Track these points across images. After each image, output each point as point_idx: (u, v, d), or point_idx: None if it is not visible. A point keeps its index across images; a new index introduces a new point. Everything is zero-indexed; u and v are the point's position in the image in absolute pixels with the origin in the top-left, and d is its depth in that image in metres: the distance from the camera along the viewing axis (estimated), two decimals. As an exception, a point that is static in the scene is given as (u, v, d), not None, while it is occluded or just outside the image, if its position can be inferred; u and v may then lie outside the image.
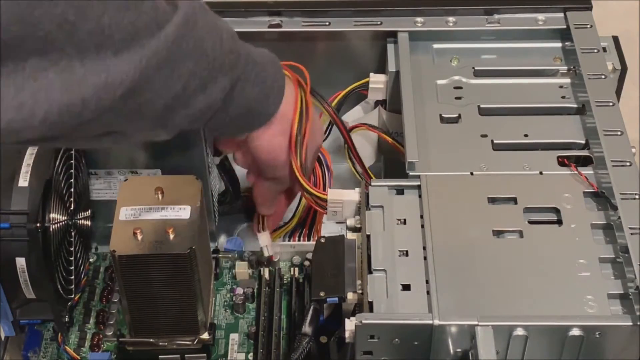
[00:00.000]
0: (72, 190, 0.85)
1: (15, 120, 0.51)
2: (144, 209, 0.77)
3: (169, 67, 0.59)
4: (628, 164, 0.72)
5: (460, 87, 0.82)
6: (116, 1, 0.54)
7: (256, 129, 0.74)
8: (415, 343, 0.63)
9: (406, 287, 0.65)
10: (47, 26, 0.50)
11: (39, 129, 0.53)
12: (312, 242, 0.87)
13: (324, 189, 0.81)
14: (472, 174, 0.74)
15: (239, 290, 0.88)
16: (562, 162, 0.75)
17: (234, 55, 0.65)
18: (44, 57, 0.51)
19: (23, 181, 0.78)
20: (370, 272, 0.67)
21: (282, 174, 0.79)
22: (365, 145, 0.87)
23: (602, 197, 0.71)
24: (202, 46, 0.61)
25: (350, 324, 0.63)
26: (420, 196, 0.72)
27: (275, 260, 0.90)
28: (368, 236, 0.69)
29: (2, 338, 0.85)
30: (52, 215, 0.80)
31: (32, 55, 0.51)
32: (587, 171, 0.73)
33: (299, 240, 0.89)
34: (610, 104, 0.77)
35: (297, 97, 0.76)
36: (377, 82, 0.85)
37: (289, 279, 0.89)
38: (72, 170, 0.85)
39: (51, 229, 0.80)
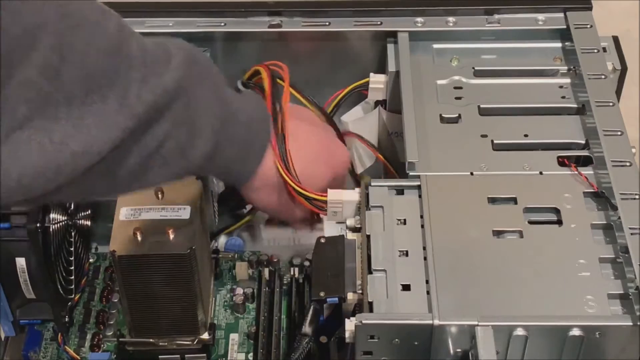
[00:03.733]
0: (72, 190, 0.85)
1: None
2: (144, 209, 0.77)
3: (146, 130, 0.58)
4: (628, 164, 0.72)
5: (460, 87, 0.82)
6: (101, 44, 0.53)
7: (239, 184, 0.74)
8: (415, 343, 0.63)
9: (406, 287, 0.65)
10: (28, 71, 0.50)
11: (14, 190, 0.52)
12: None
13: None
14: (472, 174, 0.74)
15: (239, 290, 0.88)
16: (562, 162, 0.75)
17: (218, 122, 0.64)
18: (31, 104, 0.50)
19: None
20: (370, 272, 0.67)
21: (291, 216, 0.79)
22: (365, 145, 0.87)
23: (602, 197, 0.71)
24: (186, 112, 0.60)
25: (350, 324, 0.63)
26: (420, 196, 0.72)
27: (275, 260, 0.90)
28: (368, 236, 0.69)
29: (2, 338, 0.85)
30: (52, 215, 0.80)
31: (20, 103, 0.50)
32: (587, 171, 0.73)
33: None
34: (610, 104, 0.77)
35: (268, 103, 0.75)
36: (377, 82, 0.85)
37: (289, 279, 0.89)
38: (72, 170, 0.85)
39: (51, 229, 0.80)
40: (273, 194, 0.75)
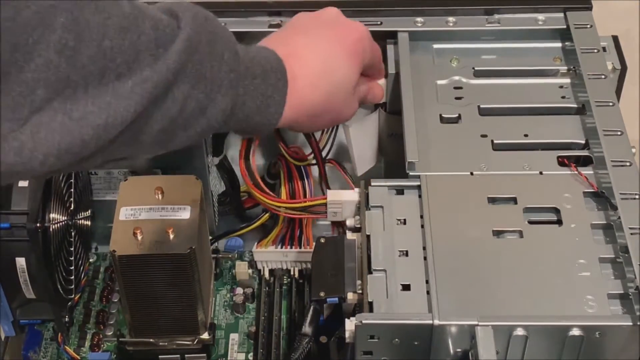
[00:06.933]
0: (72, 190, 0.85)
1: (15, 165, 0.51)
2: (144, 209, 0.77)
3: (166, 95, 0.58)
4: (628, 164, 0.72)
5: (460, 87, 0.82)
6: (115, 22, 0.53)
7: (262, 135, 0.73)
8: (415, 343, 0.63)
9: (406, 287, 0.65)
10: (45, 53, 0.50)
11: (39, 171, 0.53)
12: (303, 250, 0.87)
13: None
14: (472, 174, 0.74)
15: (239, 290, 0.88)
16: (562, 162, 0.75)
17: (234, 75, 0.64)
18: (49, 87, 0.51)
19: (23, 181, 0.78)
20: (370, 272, 0.67)
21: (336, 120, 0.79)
22: (365, 147, 0.87)
23: (602, 197, 0.71)
24: (201, 70, 0.60)
25: (350, 324, 0.63)
26: (420, 196, 0.72)
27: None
28: (368, 236, 0.69)
29: (2, 338, 0.85)
30: (52, 215, 0.80)
31: (39, 86, 0.50)
32: (587, 171, 0.73)
33: (290, 247, 0.88)
34: (610, 104, 0.77)
35: None
36: (377, 83, 0.85)
37: (289, 279, 0.89)
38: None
39: (51, 229, 0.80)
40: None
